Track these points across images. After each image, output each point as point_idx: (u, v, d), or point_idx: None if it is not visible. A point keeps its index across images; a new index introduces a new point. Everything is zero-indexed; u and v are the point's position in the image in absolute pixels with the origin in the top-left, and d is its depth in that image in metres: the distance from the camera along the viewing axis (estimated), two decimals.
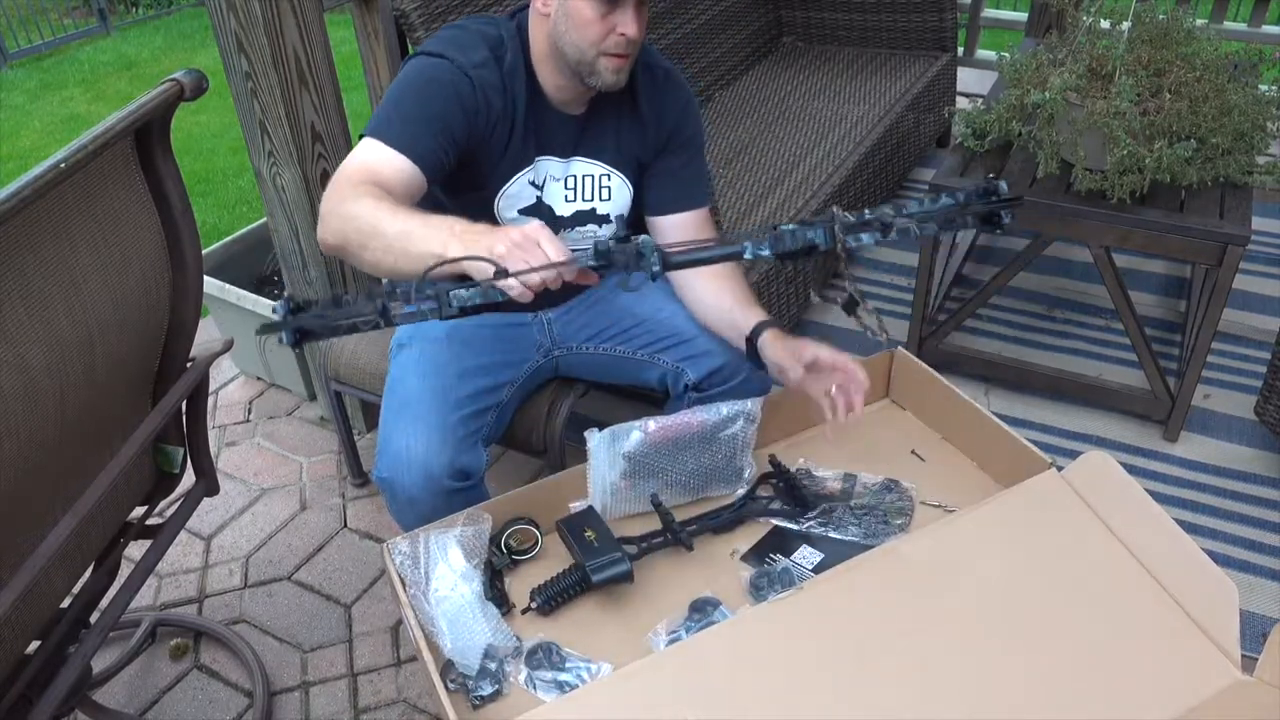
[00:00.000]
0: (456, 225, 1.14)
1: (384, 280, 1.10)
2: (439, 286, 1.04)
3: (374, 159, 1.30)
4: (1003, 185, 1.11)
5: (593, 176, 1.52)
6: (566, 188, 1.51)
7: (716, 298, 1.52)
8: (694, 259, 1.14)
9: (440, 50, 1.38)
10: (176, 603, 1.91)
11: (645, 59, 1.51)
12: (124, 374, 1.27)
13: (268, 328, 1.03)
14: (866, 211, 1.09)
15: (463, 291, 1.03)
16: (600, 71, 1.36)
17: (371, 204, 1.20)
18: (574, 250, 1.55)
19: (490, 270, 1.05)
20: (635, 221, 1.61)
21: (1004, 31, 3.80)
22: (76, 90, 5.35)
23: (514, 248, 1.07)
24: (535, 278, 1.06)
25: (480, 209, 1.48)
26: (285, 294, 1.00)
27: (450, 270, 1.09)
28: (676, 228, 1.56)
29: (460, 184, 1.44)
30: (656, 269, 1.09)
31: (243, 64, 1.79)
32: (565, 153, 1.49)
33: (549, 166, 1.49)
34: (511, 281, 1.05)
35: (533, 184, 1.49)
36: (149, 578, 1.58)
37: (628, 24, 1.31)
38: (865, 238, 1.10)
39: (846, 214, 1.08)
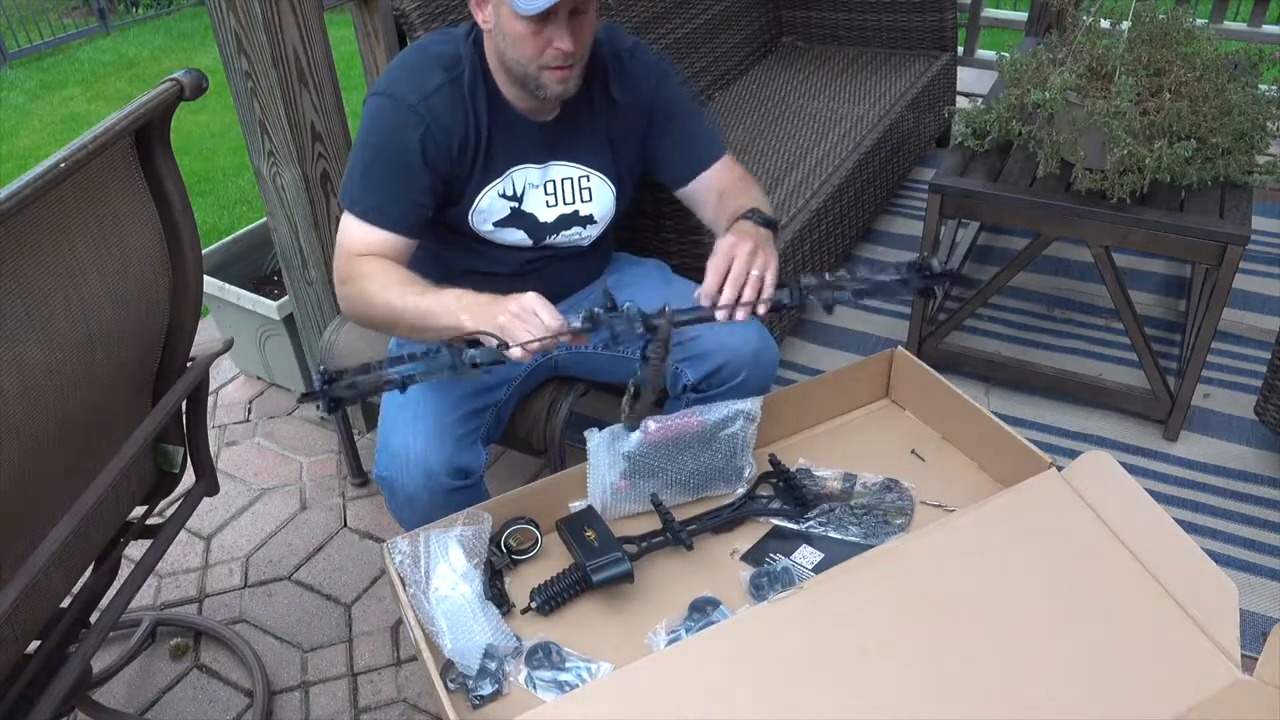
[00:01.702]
0: (464, 298, 1.26)
1: (390, 344, 1.38)
2: (454, 349, 1.18)
3: (363, 238, 1.40)
4: (935, 263, 1.25)
5: (571, 179, 1.51)
6: (546, 193, 1.51)
7: (717, 214, 1.50)
8: (675, 321, 1.24)
9: (391, 89, 1.39)
10: (176, 602, 1.91)
11: (610, 46, 1.49)
12: (124, 373, 1.27)
13: (306, 396, 1.16)
14: (826, 275, 1.26)
15: (473, 351, 1.18)
16: (545, 84, 1.35)
17: (380, 288, 1.33)
18: (561, 247, 1.54)
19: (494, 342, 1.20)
20: (620, 223, 1.60)
21: (1004, 31, 3.79)
22: (76, 90, 5.35)
23: (513, 319, 1.19)
24: (534, 345, 1.17)
25: (456, 224, 1.49)
26: (320, 368, 1.16)
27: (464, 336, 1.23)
28: (705, 189, 1.54)
29: (437, 205, 1.45)
30: (640, 331, 1.20)
31: (243, 63, 1.79)
32: (541, 158, 1.49)
33: (526, 174, 1.48)
34: (515, 350, 1.18)
35: (504, 195, 1.48)
36: (149, 577, 1.58)
37: (562, 39, 1.29)
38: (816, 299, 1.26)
39: (810, 277, 1.26)
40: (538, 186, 1.50)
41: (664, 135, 1.54)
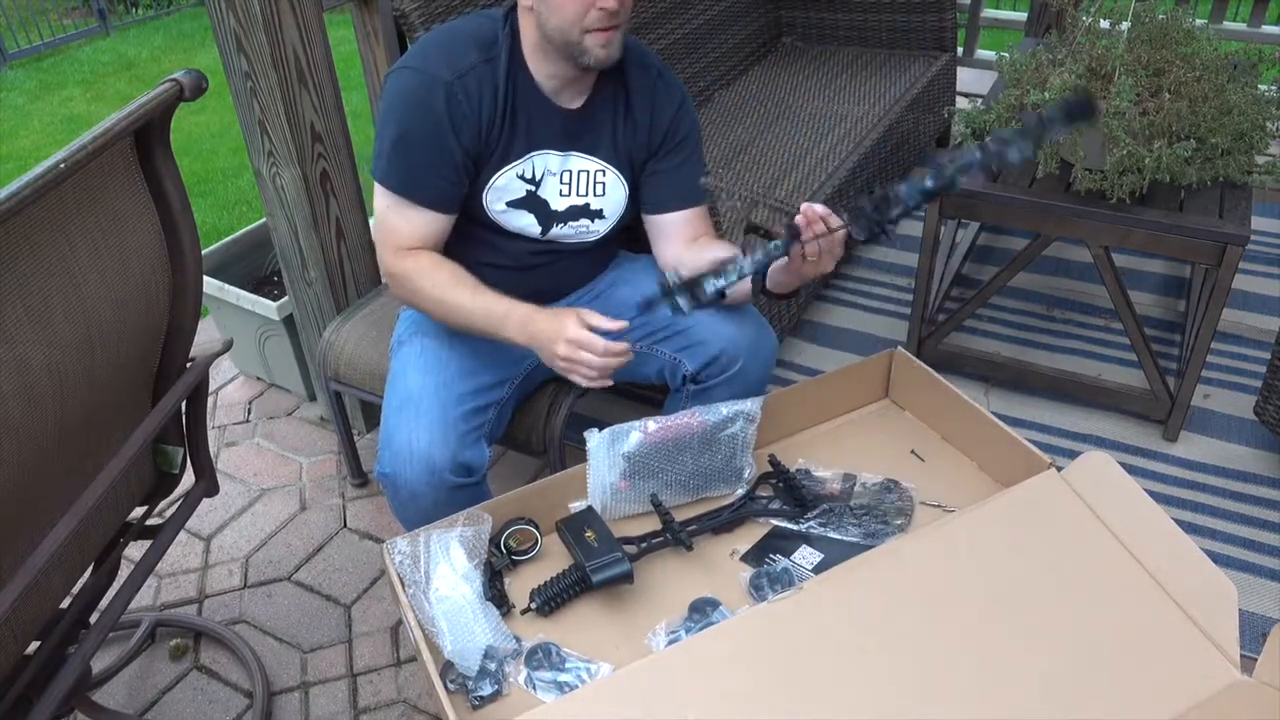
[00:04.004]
0: (513, 313, 1.37)
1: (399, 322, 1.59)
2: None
3: (405, 224, 1.46)
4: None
5: (588, 172, 1.53)
6: (562, 182, 1.52)
7: (683, 255, 1.54)
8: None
9: (421, 64, 1.40)
10: (176, 603, 1.91)
11: (640, 58, 1.52)
12: (124, 374, 1.27)
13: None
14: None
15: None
16: (589, 49, 1.36)
17: (430, 285, 1.43)
18: (567, 241, 1.55)
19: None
20: (633, 219, 1.61)
21: (1003, 31, 3.80)
22: (76, 90, 5.35)
23: (569, 365, 1.33)
24: (596, 375, 1.33)
25: (467, 205, 1.50)
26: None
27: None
28: (674, 225, 1.56)
29: None
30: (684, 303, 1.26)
31: (242, 64, 1.79)
32: (563, 146, 1.50)
33: (546, 160, 1.50)
34: (581, 381, 1.34)
35: (522, 178, 1.49)
36: (149, 578, 1.58)
37: None
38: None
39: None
40: (555, 174, 1.51)
41: (662, 160, 1.56)
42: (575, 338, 1.30)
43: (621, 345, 1.31)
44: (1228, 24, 3.39)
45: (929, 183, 1.16)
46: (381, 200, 1.46)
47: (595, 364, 1.31)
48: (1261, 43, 2.90)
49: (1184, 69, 1.90)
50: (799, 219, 1.24)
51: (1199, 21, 2.07)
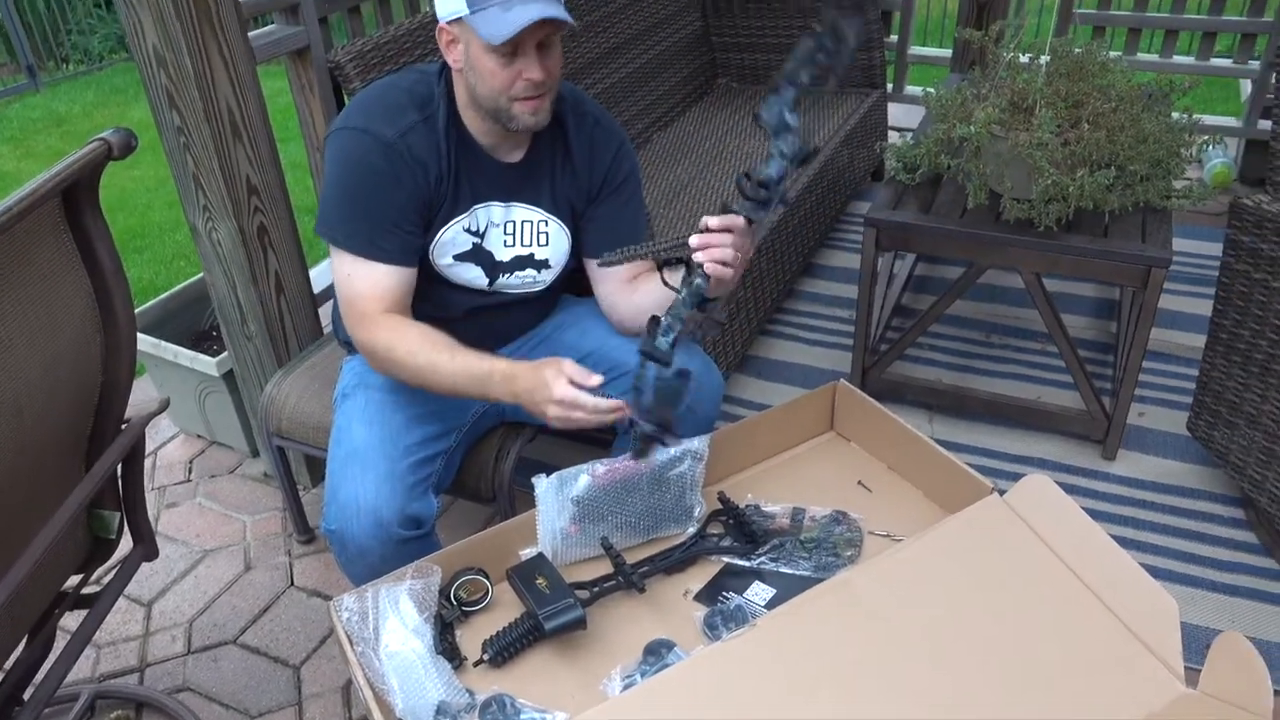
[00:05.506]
0: (495, 372, 1.33)
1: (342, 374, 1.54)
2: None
3: (370, 281, 1.42)
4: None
5: (531, 222, 1.53)
6: (506, 233, 1.52)
7: (620, 294, 1.57)
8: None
9: (364, 125, 1.40)
10: (117, 673, 1.85)
11: (577, 106, 1.53)
12: (55, 439, 1.24)
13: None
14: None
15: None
16: (517, 116, 1.39)
17: (405, 353, 1.38)
18: (513, 291, 1.55)
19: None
20: (577, 266, 1.62)
21: (930, 67, 3.91)
22: (5, 148, 5.24)
23: (562, 416, 1.28)
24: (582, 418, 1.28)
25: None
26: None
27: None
28: (615, 270, 1.57)
29: None
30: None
31: (174, 119, 1.78)
32: (506, 198, 1.51)
33: (490, 213, 1.50)
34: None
35: (469, 231, 1.49)
36: (87, 648, 1.53)
37: (531, 69, 1.34)
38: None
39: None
40: (499, 225, 1.52)
41: (600, 204, 1.57)
42: (563, 397, 1.26)
43: (612, 403, 1.27)
44: (1141, 55, 3.52)
45: (784, 148, 1.23)
46: (343, 266, 1.43)
47: (589, 422, 1.28)
48: (1173, 72, 3.03)
49: (1101, 100, 1.98)
50: (698, 254, 1.25)
51: (1113, 54, 2.16)
